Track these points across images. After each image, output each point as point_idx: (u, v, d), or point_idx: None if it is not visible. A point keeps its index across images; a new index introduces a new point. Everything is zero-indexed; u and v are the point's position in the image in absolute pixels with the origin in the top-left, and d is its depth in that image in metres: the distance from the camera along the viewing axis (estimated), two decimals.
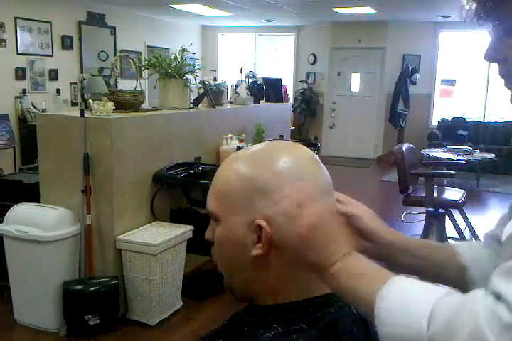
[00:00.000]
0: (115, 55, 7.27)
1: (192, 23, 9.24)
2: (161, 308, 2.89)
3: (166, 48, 8.32)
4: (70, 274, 2.79)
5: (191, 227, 3.02)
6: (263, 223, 0.70)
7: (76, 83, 6.78)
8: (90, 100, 2.88)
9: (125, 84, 5.84)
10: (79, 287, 2.72)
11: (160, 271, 2.82)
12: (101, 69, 7.08)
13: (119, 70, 6.79)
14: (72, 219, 2.81)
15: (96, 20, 7.11)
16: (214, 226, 0.78)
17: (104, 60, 7.27)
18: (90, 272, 2.81)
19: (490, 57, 0.72)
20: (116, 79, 6.25)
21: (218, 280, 3.33)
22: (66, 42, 6.64)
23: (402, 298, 0.60)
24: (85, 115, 2.75)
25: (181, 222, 3.10)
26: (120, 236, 2.83)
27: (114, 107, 2.83)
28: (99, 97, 2.97)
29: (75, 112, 2.88)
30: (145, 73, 3.71)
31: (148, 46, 8.23)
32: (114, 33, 7.47)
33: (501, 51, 0.70)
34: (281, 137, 4.56)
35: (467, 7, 0.70)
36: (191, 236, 3.02)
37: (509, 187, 6.70)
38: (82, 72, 6.89)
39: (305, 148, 0.78)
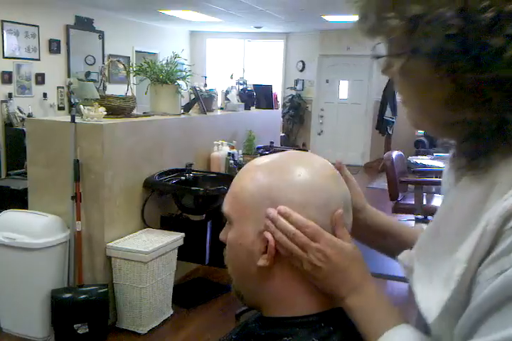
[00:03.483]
0: (103, 60, 7.22)
1: (181, 28, 9.22)
2: (151, 316, 2.85)
3: (154, 53, 8.29)
4: (58, 282, 2.74)
5: (182, 234, 2.99)
6: (269, 236, 0.70)
7: (63, 87, 6.71)
8: (81, 105, 2.84)
9: (113, 89, 5.78)
10: (68, 295, 2.67)
11: (150, 278, 2.78)
12: (88, 74, 7.02)
13: (107, 75, 6.72)
14: (61, 226, 2.76)
15: (84, 24, 7.07)
16: (228, 227, 0.77)
17: (91, 65, 7.21)
18: (79, 280, 2.76)
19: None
20: (104, 83, 6.19)
21: (209, 287, 3.27)
22: (53, 46, 6.57)
23: None
24: (76, 120, 2.71)
25: (172, 229, 3.07)
26: (110, 244, 2.79)
27: (105, 113, 2.80)
28: (89, 102, 2.93)
29: (66, 117, 2.84)
30: (134, 78, 3.67)
31: (136, 51, 8.19)
32: (102, 38, 7.42)
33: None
34: (272, 143, 4.55)
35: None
36: (182, 243, 2.99)
37: None
38: (69, 76, 6.82)
39: (324, 161, 0.77)
